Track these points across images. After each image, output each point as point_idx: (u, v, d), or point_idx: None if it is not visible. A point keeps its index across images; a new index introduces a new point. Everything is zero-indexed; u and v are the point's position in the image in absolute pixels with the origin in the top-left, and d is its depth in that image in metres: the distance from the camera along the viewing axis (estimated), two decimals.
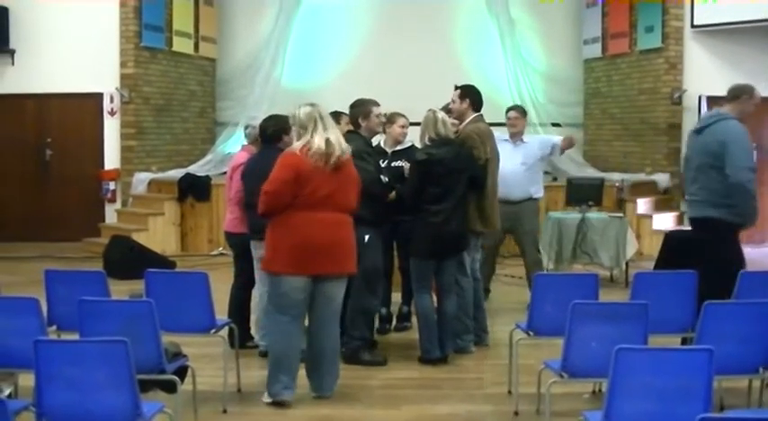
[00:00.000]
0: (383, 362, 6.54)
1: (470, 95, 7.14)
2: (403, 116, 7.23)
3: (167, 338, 5.16)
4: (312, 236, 5.44)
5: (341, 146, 5.48)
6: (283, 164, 5.47)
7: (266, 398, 5.58)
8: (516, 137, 8.48)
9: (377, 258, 6.56)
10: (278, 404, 5.51)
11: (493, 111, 13.48)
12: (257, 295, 6.64)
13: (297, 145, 5.51)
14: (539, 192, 8.55)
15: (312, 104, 5.61)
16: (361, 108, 6.63)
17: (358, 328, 6.50)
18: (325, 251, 5.48)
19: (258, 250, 6.32)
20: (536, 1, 14.05)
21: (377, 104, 6.65)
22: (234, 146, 13.48)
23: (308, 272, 5.49)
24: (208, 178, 12.14)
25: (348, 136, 6.44)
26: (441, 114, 6.63)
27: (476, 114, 7.11)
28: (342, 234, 5.58)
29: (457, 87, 7.28)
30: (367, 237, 6.37)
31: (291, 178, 5.40)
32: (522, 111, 8.80)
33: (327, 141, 5.42)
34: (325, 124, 5.50)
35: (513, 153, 8.27)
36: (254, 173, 6.30)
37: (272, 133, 6.42)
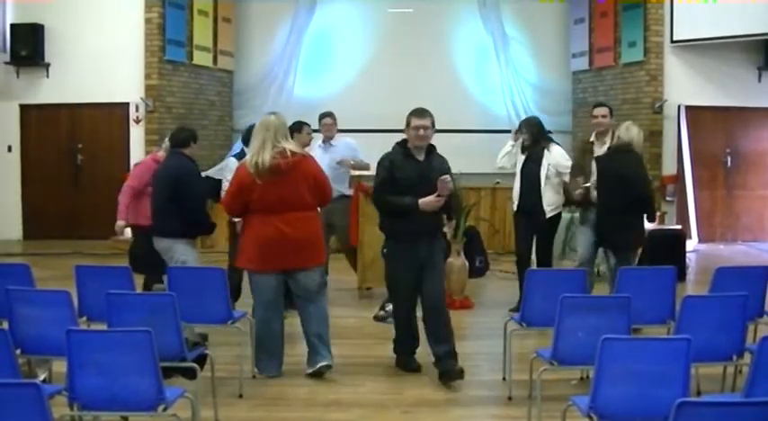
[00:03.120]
0: None
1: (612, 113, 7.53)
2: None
3: (188, 328, 5.17)
4: (271, 236, 5.63)
5: (268, 159, 5.55)
6: (234, 176, 5.90)
7: (256, 373, 5.82)
8: (327, 141, 8.55)
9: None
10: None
11: (489, 119, 13.64)
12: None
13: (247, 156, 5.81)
14: (349, 190, 8.59)
15: (271, 114, 5.83)
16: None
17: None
18: (286, 248, 5.64)
19: (164, 248, 6.55)
20: (528, 18, 14.07)
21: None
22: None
23: (274, 268, 5.71)
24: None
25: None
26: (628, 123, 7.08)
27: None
28: (302, 230, 5.70)
29: (600, 105, 7.69)
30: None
31: (236, 190, 5.72)
32: (334, 117, 8.68)
33: (256, 155, 5.59)
34: (265, 137, 5.62)
35: (324, 155, 8.25)
36: (160, 178, 6.64)
37: (183, 139, 6.66)
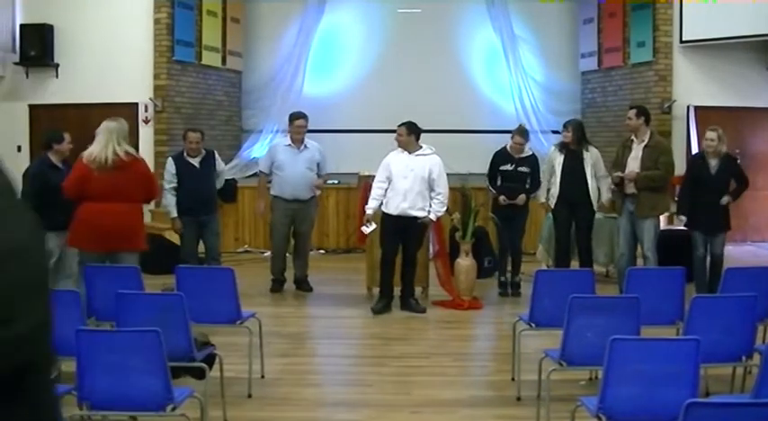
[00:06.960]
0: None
1: (646, 114, 8.33)
2: None
3: (197, 329, 5.18)
4: (100, 222, 6.52)
5: (110, 155, 6.56)
6: (75, 168, 6.71)
7: None
8: (298, 143, 8.70)
9: None
10: None
11: (498, 120, 13.60)
12: None
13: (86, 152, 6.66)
14: (317, 191, 8.92)
15: (113, 120, 6.82)
16: None
17: None
18: (112, 233, 6.54)
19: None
20: (537, 19, 14.05)
21: None
22: (258, 151, 13.53)
23: (100, 249, 6.58)
24: (234, 181, 12.12)
25: None
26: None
27: (650, 129, 8.31)
28: (128, 219, 6.68)
29: (631, 107, 8.64)
30: None
31: (77, 179, 6.56)
32: (307, 119, 8.86)
33: (97, 151, 6.55)
34: (108, 139, 6.62)
35: (297, 158, 8.60)
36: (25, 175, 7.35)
37: (44, 143, 7.54)
